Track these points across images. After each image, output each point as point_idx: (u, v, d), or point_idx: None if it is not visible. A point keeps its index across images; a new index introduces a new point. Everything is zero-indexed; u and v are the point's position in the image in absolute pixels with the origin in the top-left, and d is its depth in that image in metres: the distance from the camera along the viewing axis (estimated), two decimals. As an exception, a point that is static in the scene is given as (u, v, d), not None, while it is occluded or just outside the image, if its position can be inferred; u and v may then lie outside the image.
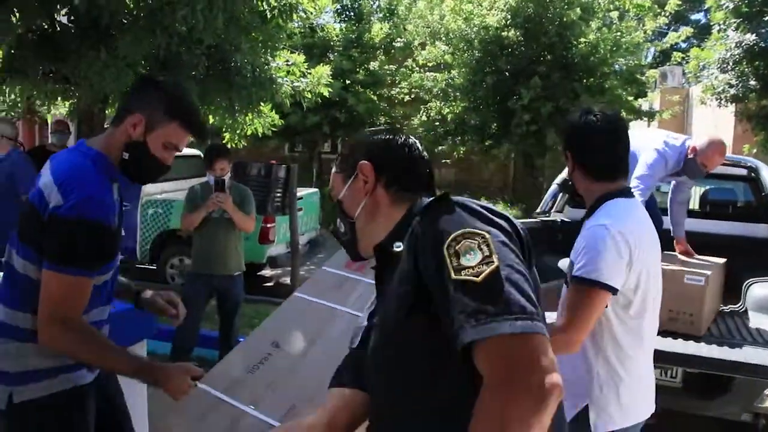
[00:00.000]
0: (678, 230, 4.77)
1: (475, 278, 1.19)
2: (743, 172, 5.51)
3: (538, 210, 5.69)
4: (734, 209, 5.95)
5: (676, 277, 3.55)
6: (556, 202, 5.69)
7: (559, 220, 5.67)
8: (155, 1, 5.54)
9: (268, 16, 5.66)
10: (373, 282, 1.56)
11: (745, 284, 4.70)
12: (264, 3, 5.54)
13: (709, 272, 3.68)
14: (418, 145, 1.61)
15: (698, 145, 4.26)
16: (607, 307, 2.11)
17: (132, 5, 5.69)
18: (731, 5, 14.19)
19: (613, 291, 2.07)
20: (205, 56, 6.09)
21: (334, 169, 1.63)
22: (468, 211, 1.32)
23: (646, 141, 4.52)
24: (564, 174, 5.77)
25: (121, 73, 5.74)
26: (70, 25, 6.08)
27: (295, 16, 5.79)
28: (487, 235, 1.25)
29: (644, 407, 2.27)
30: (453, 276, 1.20)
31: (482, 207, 1.34)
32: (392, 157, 1.56)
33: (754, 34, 14.16)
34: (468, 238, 1.24)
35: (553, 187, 5.70)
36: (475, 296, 1.18)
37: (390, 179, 1.54)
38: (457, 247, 1.23)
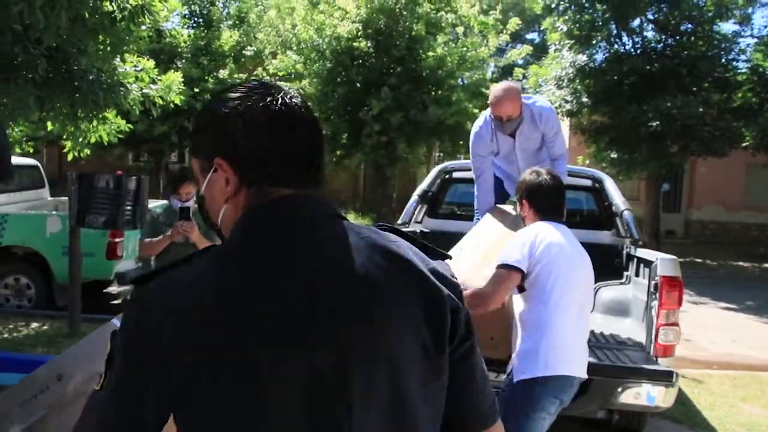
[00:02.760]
0: None
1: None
2: (588, 182, 5.86)
3: (399, 221, 5.74)
4: (581, 217, 6.32)
5: None
6: (415, 213, 5.77)
7: (418, 230, 5.75)
8: (-18, -5, 5.01)
9: (118, 17, 5.28)
10: None
11: (593, 288, 4.98)
12: (112, 3, 5.16)
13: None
14: (294, 101, 1.15)
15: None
16: (525, 291, 2.94)
17: (-47, -2, 5.12)
18: (565, 28, 15.24)
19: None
20: (45, 58, 5.60)
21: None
22: (128, 310, 1.07)
23: None
24: (424, 185, 5.89)
25: (-56, 73, 5.17)
26: None
27: (146, 19, 5.46)
28: (108, 352, 1.06)
29: (571, 368, 2.87)
30: None
31: (139, 306, 1.05)
32: (257, 142, 1.13)
33: (585, 55, 15.31)
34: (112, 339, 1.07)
35: (414, 198, 5.78)
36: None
37: (252, 175, 1.14)
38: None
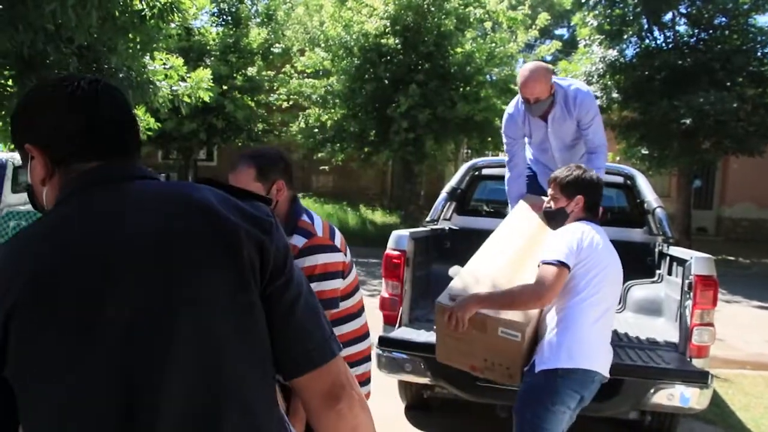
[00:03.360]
0: None
1: None
2: (619, 179, 5.76)
3: (427, 218, 5.70)
4: (612, 215, 6.24)
5: (490, 326, 3.07)
6: (444, 210, 5.72)
7: (447, 228, 5.71)
8: (17, -6, 5.08)
9: (147, 16, 5.32)
10: None
11: (624, 287, 4.90)
12: (142, 2, 5.19)
13: (529, 324, 3.06)
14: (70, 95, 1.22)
15: None
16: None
17: (-11, -3, 5.20)
18: (595, 23, 15.04)
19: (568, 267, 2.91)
20: (76, 56, 5.67)
21: None
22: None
23: None
24: (453, 182, 5.84)
25: (-21, 72, 5.26)
26: None
27: (176, 17, 5.49)
28: None
29: (592, 362, 2.88)
30: None
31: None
32: (54, 124, 1.23)
33: (616, 50, 15.09)
34: None
35: (443, 195, 5.73)
36: None
37: (59, 155, 1.23)
38: None
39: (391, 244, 4.36)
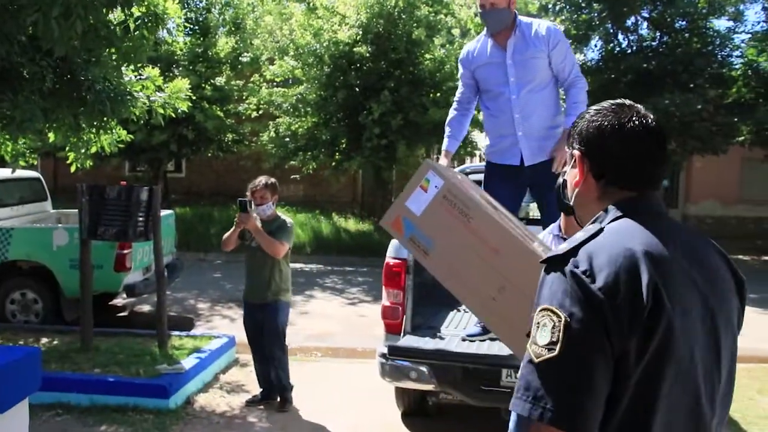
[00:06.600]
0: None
1: (534, 357, 1.33)
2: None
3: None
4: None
5: None
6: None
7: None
8: (-7, 6, 4.94)
9: (132, 27, 5.22)
10: None
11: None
12: (124, 11, 5.09)
13: None
14: (640, 128, 1.47)
15: None
16: None
17: (-37, 8, 5.05)
18: (562, 27, 15.26)
19: None
20: (52, 68, 5.53)
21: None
22: (573, 281, 1.34)
23: None
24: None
25: (-48, 85, 5.11)
26: None
27: (160, 27, 5.40)
28: (564, 320, 1.30)
29: None
30: (528, 345, 1.36)
31: (585, 276, 1.34)
32: (603, 145, 1.49)
33: (582, 55, 15.36)
34: (548, 315, 1.34)
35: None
36: (527, 372, 1.33)
37: (598, 171, 1.51)
38: (538, 320, 1.35)
39: (391, 252, 4.34)
